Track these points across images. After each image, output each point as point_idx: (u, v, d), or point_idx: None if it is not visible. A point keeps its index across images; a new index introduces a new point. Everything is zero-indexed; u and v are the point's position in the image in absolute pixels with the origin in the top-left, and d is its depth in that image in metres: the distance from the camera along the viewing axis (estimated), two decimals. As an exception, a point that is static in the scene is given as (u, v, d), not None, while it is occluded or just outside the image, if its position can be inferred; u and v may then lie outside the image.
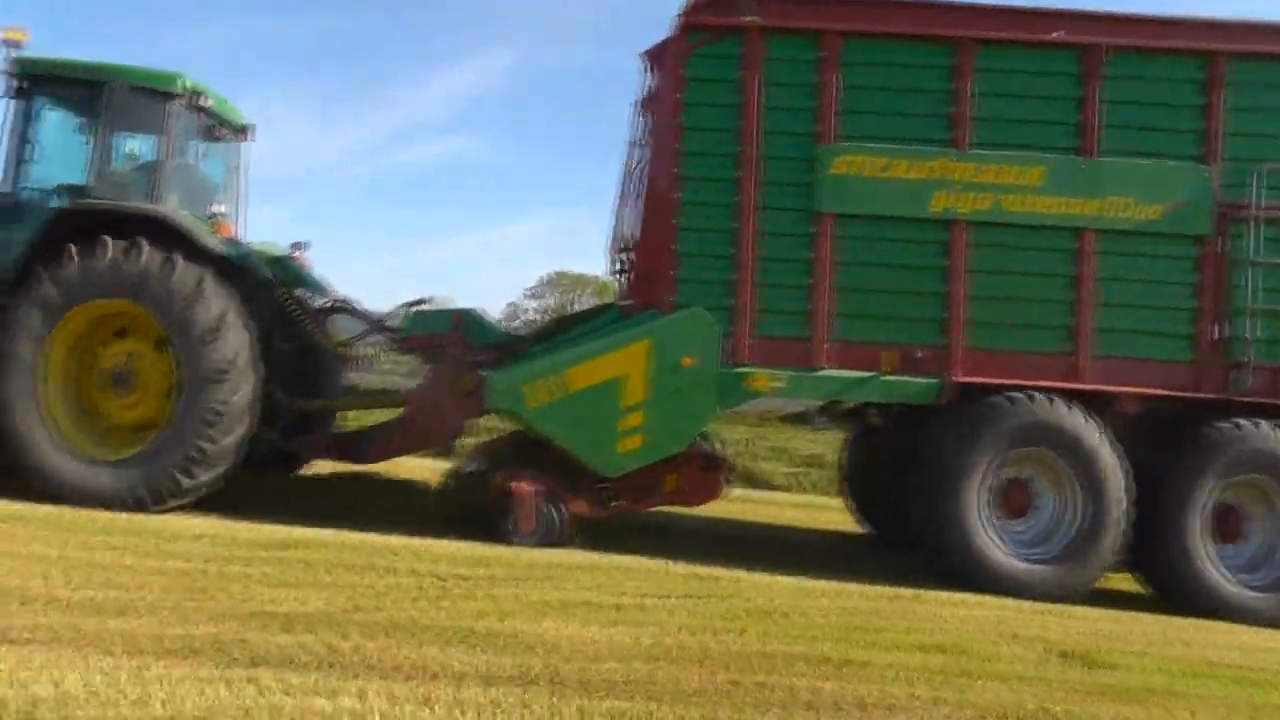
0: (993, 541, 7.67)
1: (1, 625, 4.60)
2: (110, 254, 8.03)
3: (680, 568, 7.33)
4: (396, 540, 7.41)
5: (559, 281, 41.07)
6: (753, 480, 14.38)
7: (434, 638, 4.93)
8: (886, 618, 6.29)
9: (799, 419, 16.25)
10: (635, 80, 9.01)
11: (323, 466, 9.89)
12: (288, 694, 3.94)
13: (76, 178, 8.64)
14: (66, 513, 7.60)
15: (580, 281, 38.60)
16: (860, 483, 10.35)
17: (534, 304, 40.54)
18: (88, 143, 8.79)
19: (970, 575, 7.58)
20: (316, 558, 6.60)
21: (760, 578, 7.24)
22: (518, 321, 32.27)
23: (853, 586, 7.24)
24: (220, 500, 8.30)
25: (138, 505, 7.95)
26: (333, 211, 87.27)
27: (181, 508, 8.14)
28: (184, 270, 8.00)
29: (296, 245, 9.48)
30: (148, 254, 8.01)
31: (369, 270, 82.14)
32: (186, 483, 7.99)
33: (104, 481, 8.05)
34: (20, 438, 8.11)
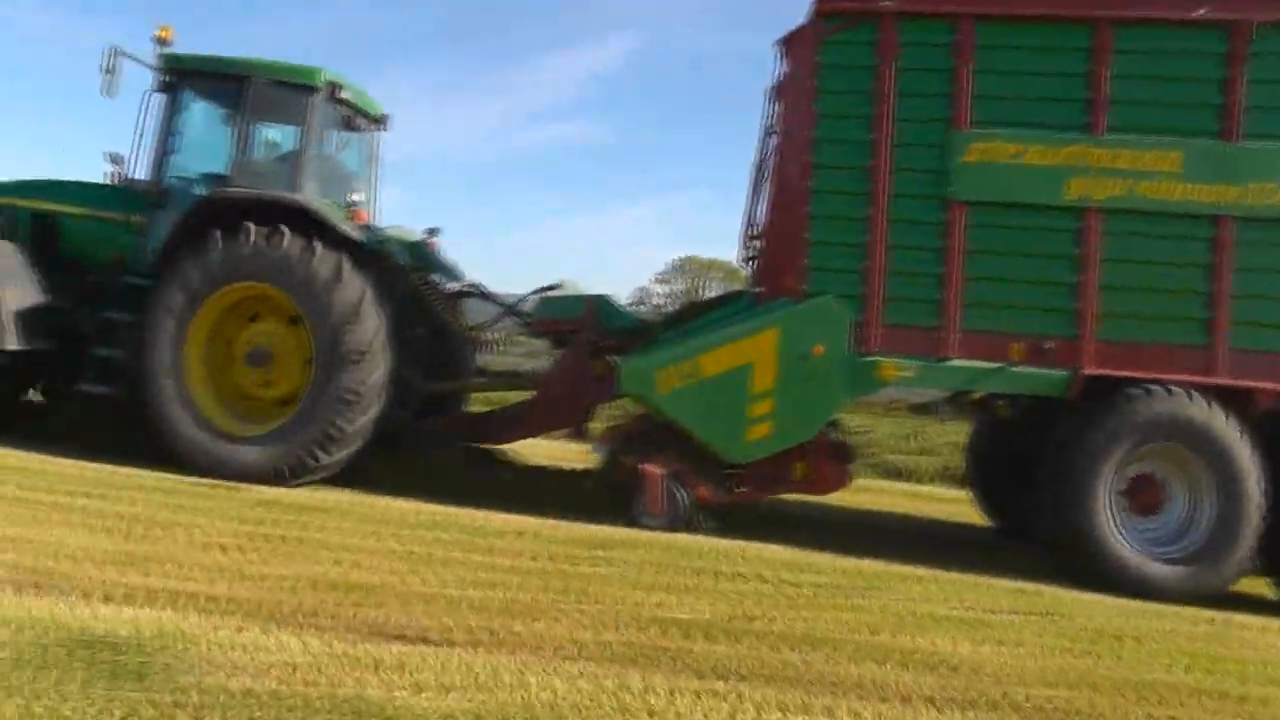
0: (1121, 539, 7.61)
1: (415, 625, 4.74)
2: (253, 240, 8.30)
3: (1004, 582, 7.26)
4: (708, 541, 7.55)
5: (688, 266, 41.04)
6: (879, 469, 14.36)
7: (840, 652, 4.91)
8: (1225, 644, 6.11)
9: (922, 409, 16.20)
10: (764, 65, 8.99)
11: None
12: (766, 709, 3.99)
13: (218, 168, 8.96)
14: (356, 503, 7.94)
15: (709, 266, 38.66)
16: (986, 475, 10.27)
17: (662, 289, 40.69)
18: (230, 134, 9.07)
19: (1098, 572, 7.56)
20: (652, 559, 6.73)
21: (1072, 594, 7.13)
22: (645, 306, 32.40)
23: (1166, 609, 7.04)
24: (366, 478, 8.67)
25: (276, 479, 8.31)
26: (456, 195, 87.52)
27: (323, 481, 8.53)
28: (323, 256, 8.26)
29: (430, 231, 9.73)
30: (289, 240, 8.27)
31: (490, 252, 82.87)
32: (323, 459, 8.34)
33: (243, 456, 8.42)
34: (163, 414, 8.50)
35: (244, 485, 8.11)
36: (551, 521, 7.82)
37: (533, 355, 11.89)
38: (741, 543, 7.63)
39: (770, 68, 8.86)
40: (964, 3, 7.96)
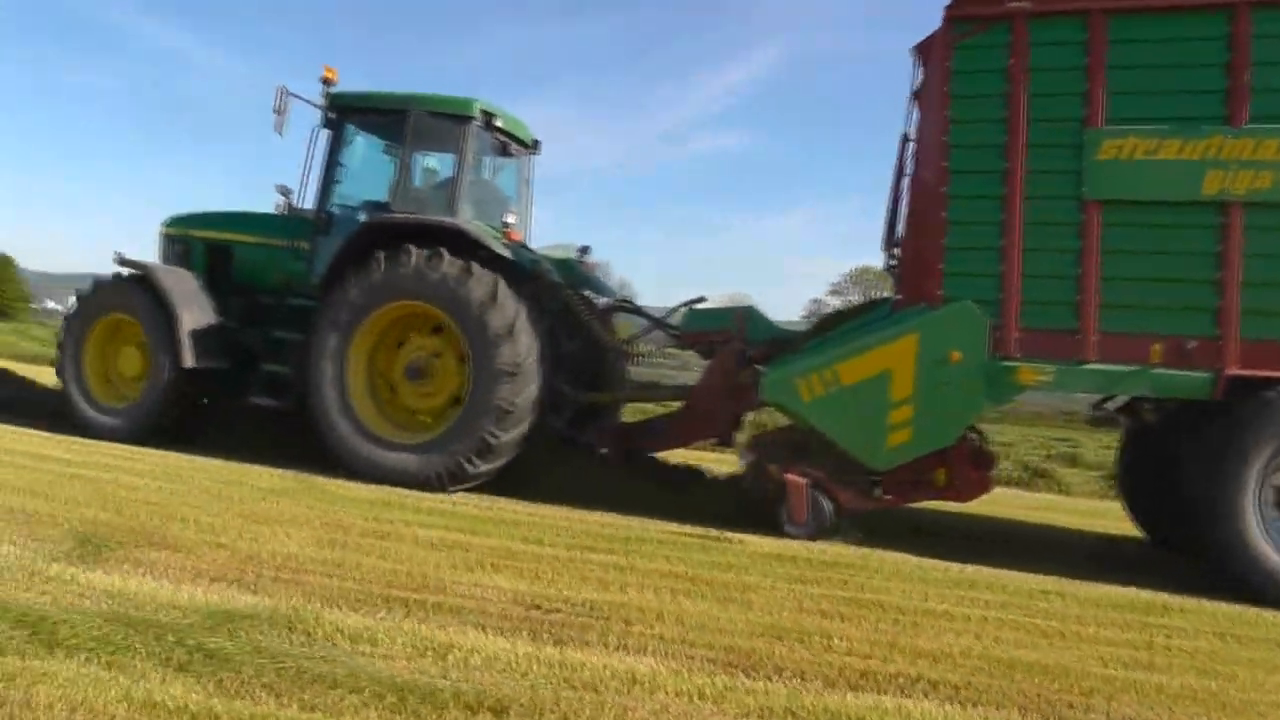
0: (1273, 545, 7.54)
1: (864, 667, 4.58)
2: (414, 261, 8.71)
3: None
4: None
5: (862, 277, 40.56)
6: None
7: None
8: None
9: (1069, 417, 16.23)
10: (905, 66, 8.96)
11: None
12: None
13: (379, 195, 9.51)
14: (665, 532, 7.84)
15: (883, 276, 38.40)
16: (1135, 484, 10.25)
17: (836, 300, 40.31)
18: (390, 163, 9.60)
19: (1247, 581, 7.47)
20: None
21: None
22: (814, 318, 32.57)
23: None
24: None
25: (435, 485, 8.84)
26: (608, 211, 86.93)
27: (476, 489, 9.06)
28: (479, 276, 8.65)
29: (583, 250, 10.18)
30: (447, 262, 8.68)
31: (645, 267, 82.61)
32: (478, 467, 8.86)
33: (402, 462, 8.97)
34: (328, 422, 9.06)
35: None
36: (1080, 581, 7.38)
37: (684, 368, 12.25)
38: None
39: (909, 73, 8.86)
40: None
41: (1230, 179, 7.74)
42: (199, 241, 11.00)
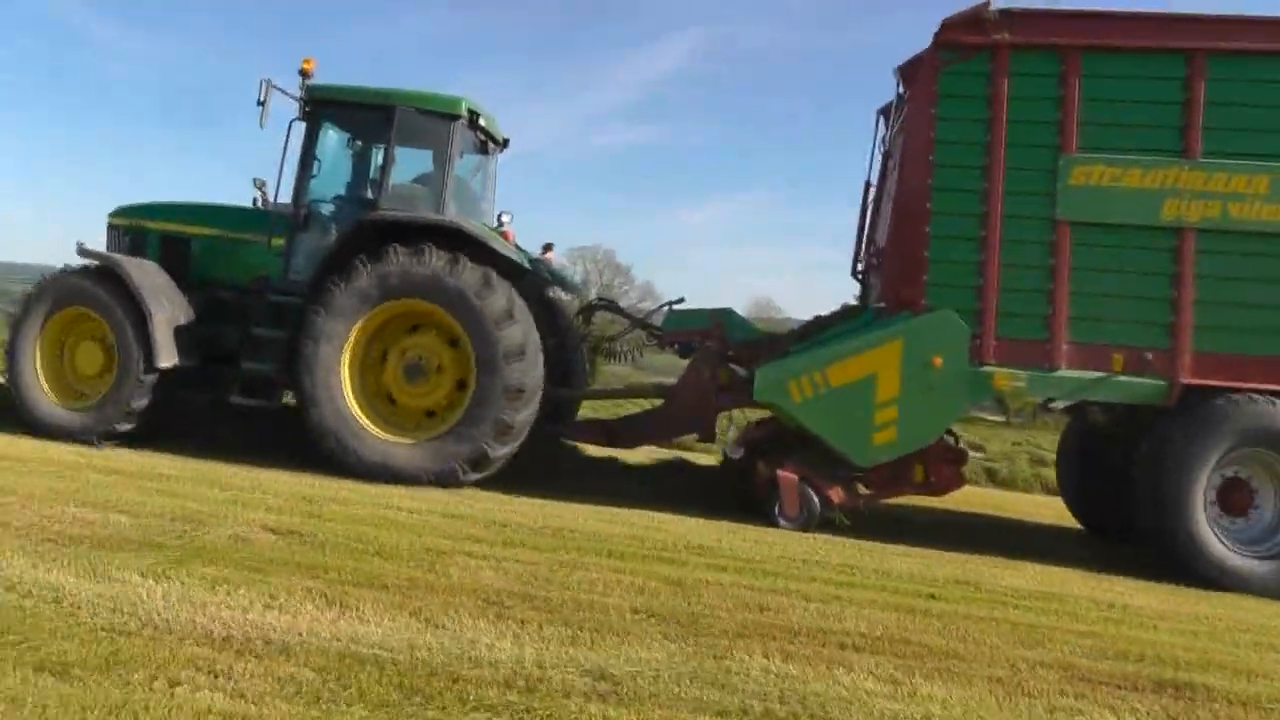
0: (1214, 536, 8.28)
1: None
2: (431, 259, 8.82)
3: None
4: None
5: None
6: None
7: None
8: None
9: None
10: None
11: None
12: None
13: (351, 191, 9.37)
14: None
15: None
16: (1075, 477, 11.02)
17: None
18: (368, 160, 9.50)
19: (1191, 566, 8.19)
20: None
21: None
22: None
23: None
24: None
25: (454, 477, 8.81)
26: (531, 199, 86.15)
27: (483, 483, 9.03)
28: (472, 268, 8.78)
29: (546, 247, 10.25)
30: (438, 256, 8.76)
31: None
32: (499, 450, 8.85)
33: (412, 459, 8.88)
34: (332, 428, 8.96)
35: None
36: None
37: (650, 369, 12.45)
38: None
39: (889, 88, 9.40)
40: (1072, 35, 8.53)
41: (1185, 207, 8.46)
42: (153, 232, 10.48)
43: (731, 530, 8.12)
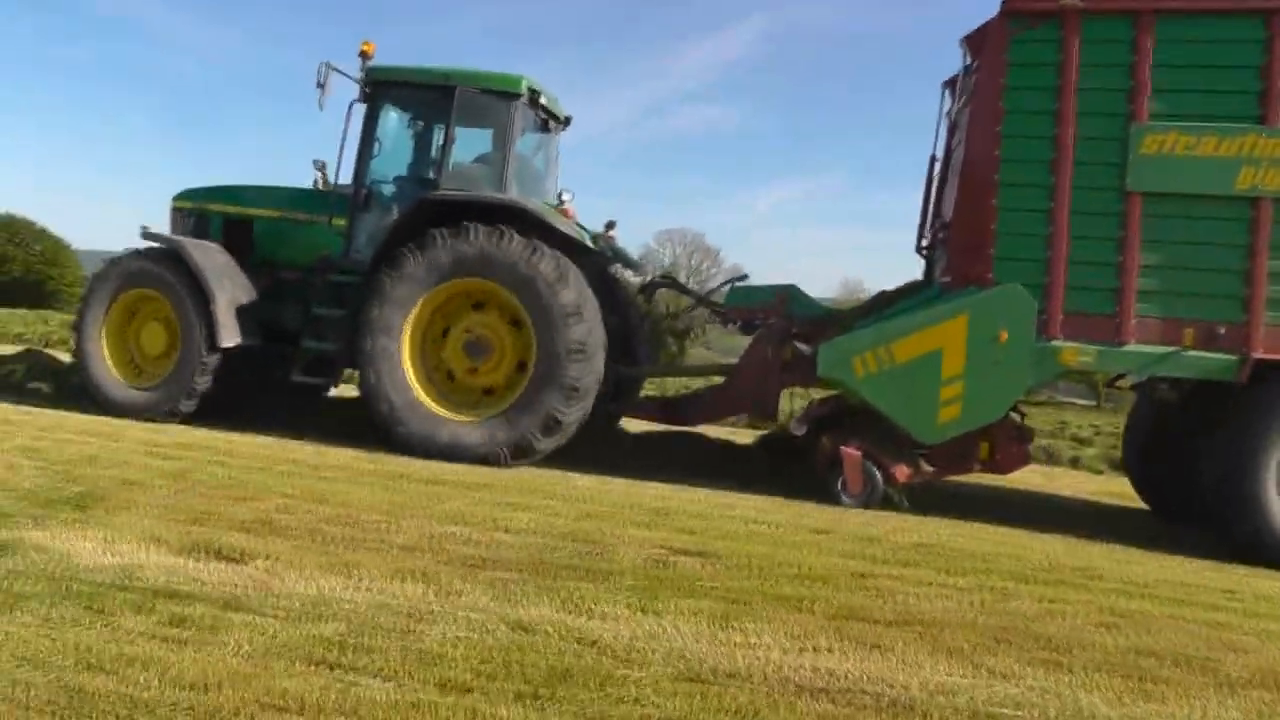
0: None
1: None
2: (480, 239, 8.75)
3: None
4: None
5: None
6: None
7: None
8: None
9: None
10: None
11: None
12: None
13: (413, 171, 9.40)
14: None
15: None
16: (1143, 457, 10.72)
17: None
18: (430, 140, 9.52)
19: (1262, 550, 7.95)
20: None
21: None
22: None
23: None
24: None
25: (497, 459, 8.84)
26: (594, 183, 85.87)
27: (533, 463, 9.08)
28: (548, 255, 8.70)
29: (608, 225, 10.23)
30: (517, 241, 8.71)
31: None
32: (543, 443, 8.91)
33: (464, 437, 8.96)
34: (384, 398, 9.05)
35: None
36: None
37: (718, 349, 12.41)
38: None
39: (954, 61, 9.21)
40: None
41: (1262, 175, 8.20)
42: (216, 215, 10.73)
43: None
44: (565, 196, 9.71)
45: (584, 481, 8.41)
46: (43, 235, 44.39)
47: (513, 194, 9.27)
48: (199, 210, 10.91)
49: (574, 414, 8.85)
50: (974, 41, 8.93)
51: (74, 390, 10.63)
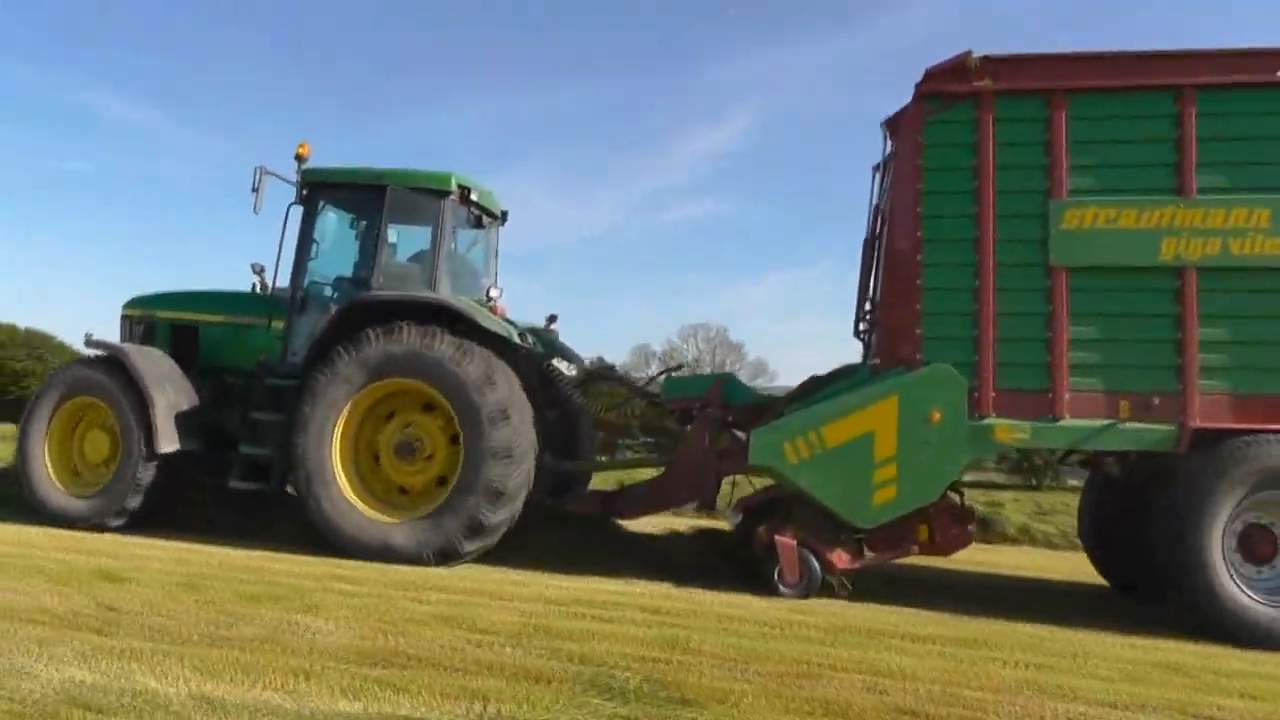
0: (1238, 587, 7.91)
1: None
2: (408, 339, 8.77)
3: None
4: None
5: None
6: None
7: None
8: None
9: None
10: (869, 126, 9.45)
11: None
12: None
13: (351, 271, 9.47)
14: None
15: None
16: (1097, 532, 10.62)
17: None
18: (364, 239, 9.60)
19: (1216, 621, 7.83)
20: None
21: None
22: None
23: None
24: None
25: (427, 560, 8.71)
26: (590, 280, 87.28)
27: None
28: (474, 355, 8.68)
29: (550, 318, 10.26)
30: (445, 340, 8.71)
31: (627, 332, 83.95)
32: (468, 546, 8.78)
33: (391, 538, 8.83)
34: (314, 497, 8.98)
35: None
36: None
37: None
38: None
39: (879, 146, 9.29)
40: (1055, 78, 8.40)
41: (1184, 245, 8.23)
42: (163, 322, 10.76)
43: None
44: (494, 293, 9.74)
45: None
46: (61, 349, 44.58)
47: (444, 292, 9.29)
48: (147, 317, 10.97)
49: (499, 516, 8.71)
50: (893, 125, 9.04)
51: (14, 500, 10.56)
